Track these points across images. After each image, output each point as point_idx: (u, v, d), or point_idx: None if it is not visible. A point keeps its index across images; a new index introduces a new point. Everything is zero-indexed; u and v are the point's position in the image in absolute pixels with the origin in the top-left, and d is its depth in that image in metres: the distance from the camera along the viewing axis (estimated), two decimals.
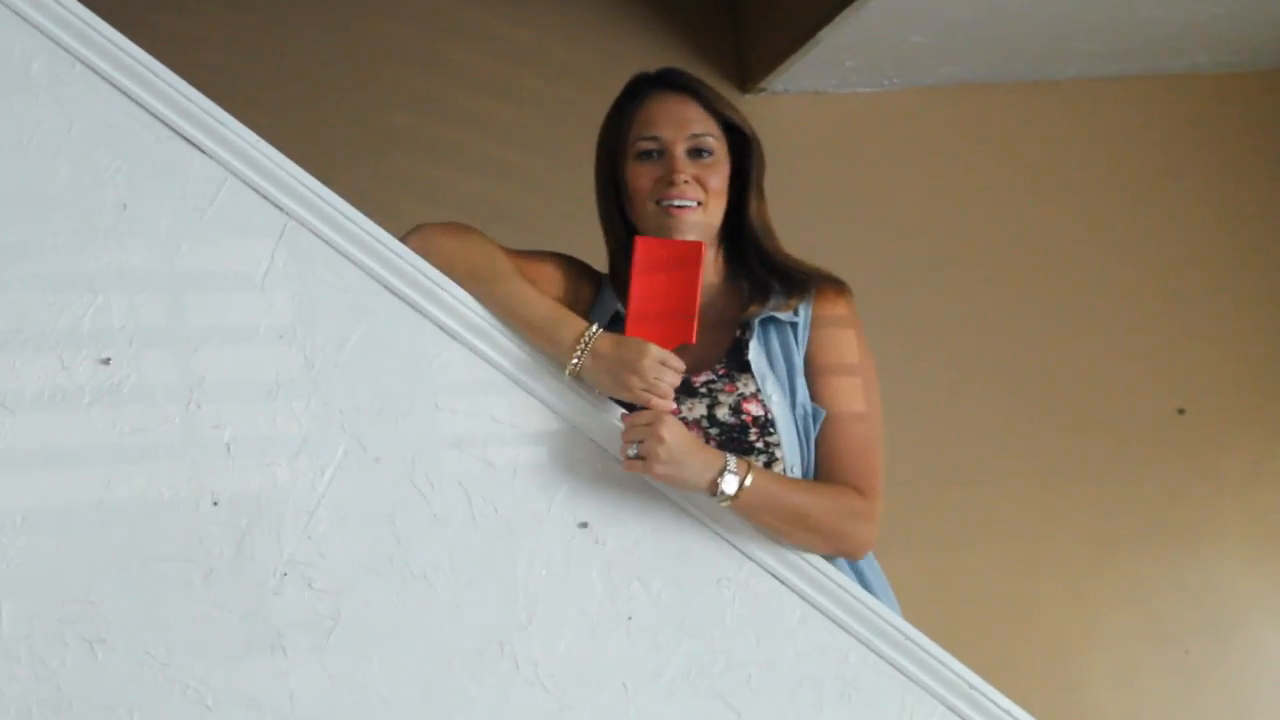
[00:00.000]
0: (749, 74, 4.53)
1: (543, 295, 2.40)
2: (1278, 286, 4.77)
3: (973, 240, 4.65)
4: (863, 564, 2.49)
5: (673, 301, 2.37)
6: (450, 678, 2.23)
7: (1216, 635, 4.58)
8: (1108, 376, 4.65)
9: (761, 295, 2.54)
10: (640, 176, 2.52)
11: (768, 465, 2.42)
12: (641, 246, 2.40)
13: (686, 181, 2.49)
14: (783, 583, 2.34)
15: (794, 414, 2.47)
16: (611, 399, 2.35)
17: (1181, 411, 4.67)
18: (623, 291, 2.44)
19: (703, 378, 2.48)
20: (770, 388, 2.46)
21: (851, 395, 2.49)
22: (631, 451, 2.26)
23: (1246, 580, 4.62)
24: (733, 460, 2.29)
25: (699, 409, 2.46)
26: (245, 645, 2.18)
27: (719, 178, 2.52)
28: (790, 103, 4.58)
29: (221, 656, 2.17)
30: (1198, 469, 4.65)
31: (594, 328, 2.33)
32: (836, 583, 2.35)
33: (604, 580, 2.29)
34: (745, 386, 2.47)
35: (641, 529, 2.31)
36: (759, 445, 2.44)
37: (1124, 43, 4.47)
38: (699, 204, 2.49)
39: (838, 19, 4.00)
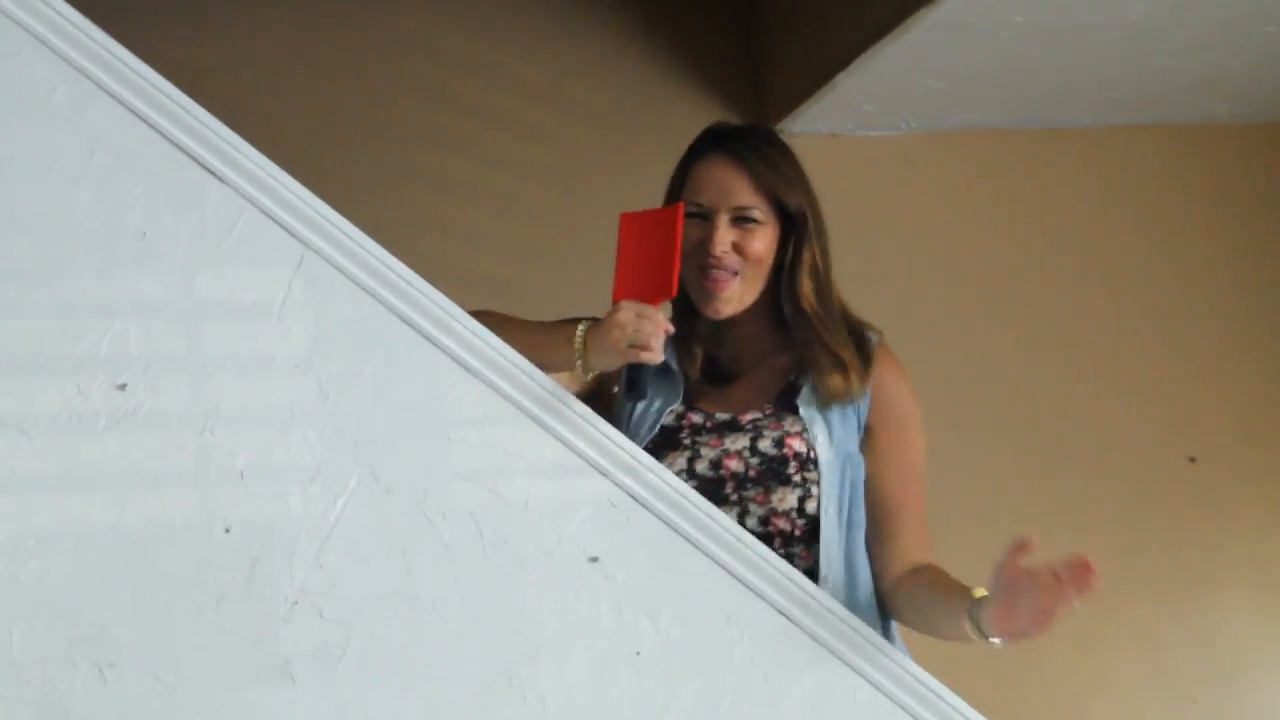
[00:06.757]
0: (766, 115, 4.54)
1: (537, 324, 2.47)
2: None
3: (985, 284, 4.65)
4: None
5: (653, 264, 2.39)
6: (457, 710, 2.23)
7: (1224, 683, 4.56)
8: (1119, 424, 4.64)
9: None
10: (687, 232, 2.51)
11: (801, 500, 2.47)
12: (625, 223, 2.44)
13: (725, 251, 2.52)
14: (792, 621, 2.33)
15: (838, 458, 2.49)
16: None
17: (1192, 460, 4.66)
18: (680, 347, 2.50)
19: (749, 415, 2.50)
20: (817, 429, 2.48)
21: (913, 453, 2.64)
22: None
23: (1254, 629, 4.61)
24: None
25: (742, 441, 2.48)
26: (254, 673, 2.18)
27: (761, 243, 2.53)
28: (807, 144, 4.54)
29: (230, 683, 2.17)
30: (1208, 517, 4.63)
31: (583, 323, 2.38)
32: (845, 623, 2.35)
33: (613, 615, 2.29)
34: (791, 426, 2.48)
35: (651, 564, 2.31)
36: (796, 479, 2.46)
37: (1140, 92, 4.48)
38: (736, 274, 2.51)
39: (855, 64, 4.02)
